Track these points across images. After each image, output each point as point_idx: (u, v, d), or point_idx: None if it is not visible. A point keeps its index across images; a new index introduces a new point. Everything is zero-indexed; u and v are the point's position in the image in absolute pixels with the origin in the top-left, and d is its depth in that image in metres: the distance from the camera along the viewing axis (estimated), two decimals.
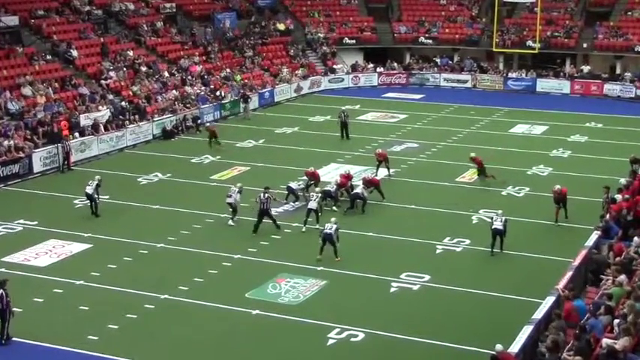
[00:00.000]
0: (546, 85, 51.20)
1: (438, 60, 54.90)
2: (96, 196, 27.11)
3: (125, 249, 24.18)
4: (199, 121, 40.79)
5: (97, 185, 27.19)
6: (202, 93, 43.71)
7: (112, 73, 41.80)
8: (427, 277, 22.04)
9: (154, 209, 28.14)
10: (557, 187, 26.68)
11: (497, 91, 51.56)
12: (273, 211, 25.94)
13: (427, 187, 30.64)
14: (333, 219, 23.43)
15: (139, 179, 31.83)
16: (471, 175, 31.97)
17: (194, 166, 33.71)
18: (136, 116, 38.57)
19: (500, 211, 24.26)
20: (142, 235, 25.24)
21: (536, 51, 52.23)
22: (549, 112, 44.51)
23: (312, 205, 25.65)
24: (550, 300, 17.85)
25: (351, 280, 22.08)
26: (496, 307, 20.51)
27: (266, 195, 25.31)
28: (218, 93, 44.16)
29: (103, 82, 40.99)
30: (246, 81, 47.15)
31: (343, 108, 39.12)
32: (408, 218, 27.19)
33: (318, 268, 22.50)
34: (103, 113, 37.36)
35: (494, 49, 53.41)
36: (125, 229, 25.82)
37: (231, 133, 39.60)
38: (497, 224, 23.68)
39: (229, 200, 26.21)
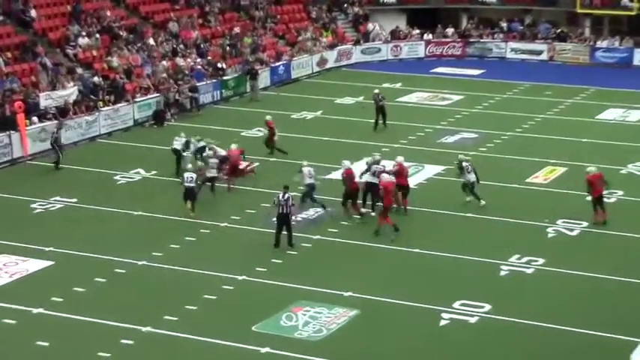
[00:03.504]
0: None
1: (504, 24, 54.74)
2: (187, 151, 31.51)
3: (97, 267, 24.24)
4: (197, 95, 40.95)
5: (187, 142, 31.64)
6: (199, 66, 43.81)
7: (81, 40, 42.00)
8: (488, 307, 21.95)
9: (134, 216, 28.24)
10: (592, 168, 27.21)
11: (581, 64, 51.44)
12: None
13: (489, 190, 30.38)
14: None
15: (116, 177, 31.96)
16: (546, 174, 31.79)
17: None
18: (112, 96, 38.75)
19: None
20: (118, 249, 25.31)
21: (633, 12, 51.86)
22: None
23: None
24: None
25: (390, 309, 22.03)
26: (581, 348, 20.30)
27: (286, 195, 25.29)
28: (219, 66, 44.20)
29: (69, 51, 41.21)
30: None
31: (376, 90, 38.95)
32: (464, 230, 27.12)
33: (346, 294, 22.47)
34: (70, 92, 37.53)
35: (578, 10, 53.17)
36: (97, 242, 25.90)
37: (235, 119, 39.65)
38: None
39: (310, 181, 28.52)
